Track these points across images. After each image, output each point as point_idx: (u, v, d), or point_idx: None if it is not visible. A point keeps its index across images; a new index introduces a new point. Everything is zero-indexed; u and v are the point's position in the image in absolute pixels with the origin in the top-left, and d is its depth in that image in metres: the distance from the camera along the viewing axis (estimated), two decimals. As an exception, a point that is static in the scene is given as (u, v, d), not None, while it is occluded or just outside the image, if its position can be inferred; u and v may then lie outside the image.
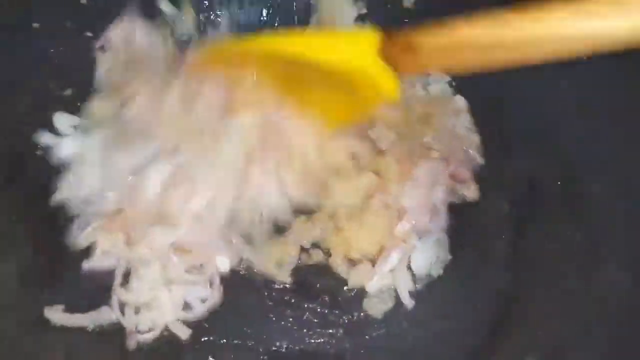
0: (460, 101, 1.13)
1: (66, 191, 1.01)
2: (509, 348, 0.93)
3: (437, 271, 1.01)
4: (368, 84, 0.79)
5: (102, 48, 1.11)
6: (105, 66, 1.10)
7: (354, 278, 0.99)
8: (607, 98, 0.96)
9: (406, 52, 0.74)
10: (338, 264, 1.01)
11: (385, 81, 0.78)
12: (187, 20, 1.17)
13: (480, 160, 1.08)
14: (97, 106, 1.07)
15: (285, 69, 0.89)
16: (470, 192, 1.05)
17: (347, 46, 0.80)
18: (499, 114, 1.10)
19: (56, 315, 0.94)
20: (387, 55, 0.76)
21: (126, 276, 0.98)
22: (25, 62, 1.04)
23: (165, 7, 1.15)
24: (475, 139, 1.09)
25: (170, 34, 1.14)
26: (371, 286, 0.99)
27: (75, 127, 1.07)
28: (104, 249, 0.99)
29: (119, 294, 0.97)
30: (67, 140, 1.05)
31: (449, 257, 1.01)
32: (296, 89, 0.92)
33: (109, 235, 0.99)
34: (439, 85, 1.14)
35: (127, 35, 1.11)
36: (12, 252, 0.97)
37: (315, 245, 1.02)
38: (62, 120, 1.07)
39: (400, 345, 0.97)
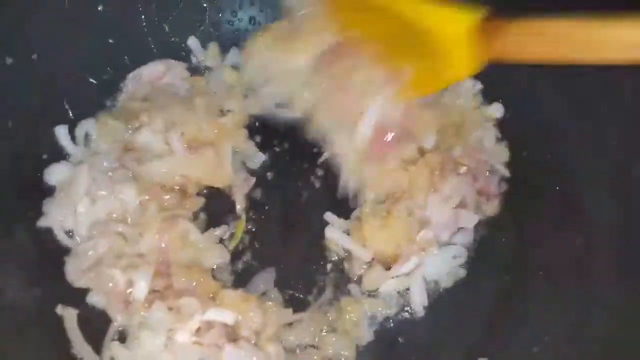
0: (497, 109, 1.12)
1: (51, 219, 1.01)
2: (507, 348, 0.95)
3: (446, 283, 1.01)
4: (453, 54, 0.80)
5: (132, 80, 1.17)
6: (129, 94, 1.15)
7: (369, 280, 1.00)
8: (608, 107, 0.97)
9: (493, 36, 0.77)
10: (353, 265, 1.01)
11: (469, 56, 0.79)
12: (212, 54, 1.22)
13: (507, 173, 1.07)
14: (110, 123, 1.09)
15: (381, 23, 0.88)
16: (491, 207, 1.05)
17: (450, 13, 0.80)
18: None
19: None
20: (479, 34, 0.77)
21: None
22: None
23: (192, 42, 1.22)
24: (504, 152, 1.09)
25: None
26: (384, 288, 0.99)
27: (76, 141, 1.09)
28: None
29: (113, 349, 0.92)
30: (58, 165, 1.06)
31: (464, 273, 1.02)
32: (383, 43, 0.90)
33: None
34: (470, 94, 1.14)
35: (158, 74, 1.17)
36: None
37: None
38: (63, 133, 1.08)
39: (397, 342, 0.99)
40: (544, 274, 0.98)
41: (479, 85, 1.14)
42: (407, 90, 0.92)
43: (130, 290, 0.94)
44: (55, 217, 1.02)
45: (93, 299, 0.97)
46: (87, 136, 1.10)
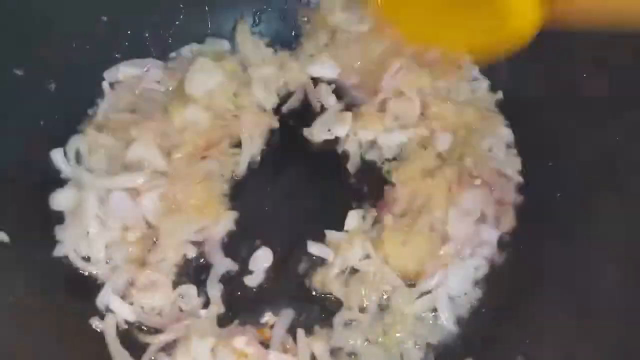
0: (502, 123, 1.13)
1: (66, 248, 1.01)
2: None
3: (464, 304, 1.01)
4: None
5: (110, 83, 1.15)
6: (110, 101, 1.13)
7: (397, 304, 0.99)
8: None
9: None
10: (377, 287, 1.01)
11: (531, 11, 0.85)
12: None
13: (520, 180, 1.07)
14: (96, 139, 1.08)
15: None
16: (508, 221, 1.05)
17: None
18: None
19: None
20: None
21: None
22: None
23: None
24: (516, 160, 1.09)
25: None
26: (412, 309, 0.99)
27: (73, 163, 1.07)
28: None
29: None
30: (64, 191, 1.05)
31: (480, 293, 1.02)
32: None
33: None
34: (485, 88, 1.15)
35: (137, 74, 1.16)
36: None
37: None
38: (58, 157, 1.07)
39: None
40: (550, 282, 0.99)
41: (499, 95, 1.15)
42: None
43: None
44: (70, 245, 1.01)
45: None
46: (78, 153, 1.08)
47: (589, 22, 0.79)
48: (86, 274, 1.01)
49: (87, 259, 1.01)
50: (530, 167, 1.09)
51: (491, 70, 1.15)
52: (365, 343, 0.97)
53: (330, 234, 1.04)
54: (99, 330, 0.96)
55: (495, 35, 0.96)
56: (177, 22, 1.20)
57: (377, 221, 1.05)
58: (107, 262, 1.00)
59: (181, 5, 1.20)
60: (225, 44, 1.21)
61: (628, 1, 0.77)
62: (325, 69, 1.17)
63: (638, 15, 0.74)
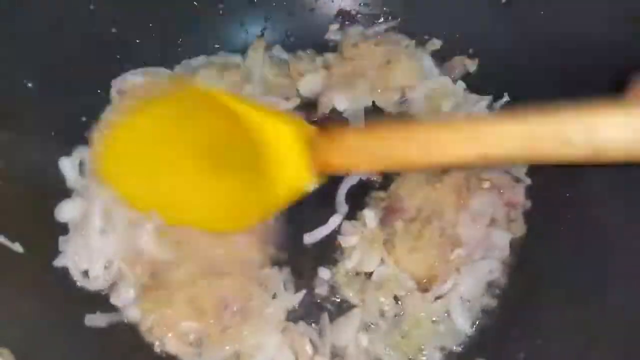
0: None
1: (67, 259, 1.00)
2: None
3: (478, 306, 1.01)
4: (286, 165, 0.89)
5: (118, 91, 1.16)
6: (116, 110, 1.13)
7: (410, 308, 1.00)
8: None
9: (329, 146, 0.86)
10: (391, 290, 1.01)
11: (301, 168, 0.88)
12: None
13: (528, 181, 1.08)
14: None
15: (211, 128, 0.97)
16: (519, 227, 1.05)
17: (281, 123, 0.91)
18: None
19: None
20: (313, 147, 0.87)
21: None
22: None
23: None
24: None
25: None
26: (426, 314, 0.99)
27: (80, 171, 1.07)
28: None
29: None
30: (69, 202, 1.04)
31: (492, 295, 1.02)
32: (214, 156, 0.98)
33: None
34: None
35: (143, 83, 1.16)
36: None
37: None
38: (67, 166, 1.07)
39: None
40: (560, 283, 0.99)
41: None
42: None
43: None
44: (71, 256, 1.00)
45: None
46: (81, 164, 1.08)
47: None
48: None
49: (85, 274, 1.01)
50: (537, 168, 1.08)
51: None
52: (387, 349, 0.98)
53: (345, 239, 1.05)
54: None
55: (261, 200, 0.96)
56: (187, 34, 1.22)
57: (385, 225, 1.05)
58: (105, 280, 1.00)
59: (190, 17, 1.21)
60: (236, 59, 1.22)
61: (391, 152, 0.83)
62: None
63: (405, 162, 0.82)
